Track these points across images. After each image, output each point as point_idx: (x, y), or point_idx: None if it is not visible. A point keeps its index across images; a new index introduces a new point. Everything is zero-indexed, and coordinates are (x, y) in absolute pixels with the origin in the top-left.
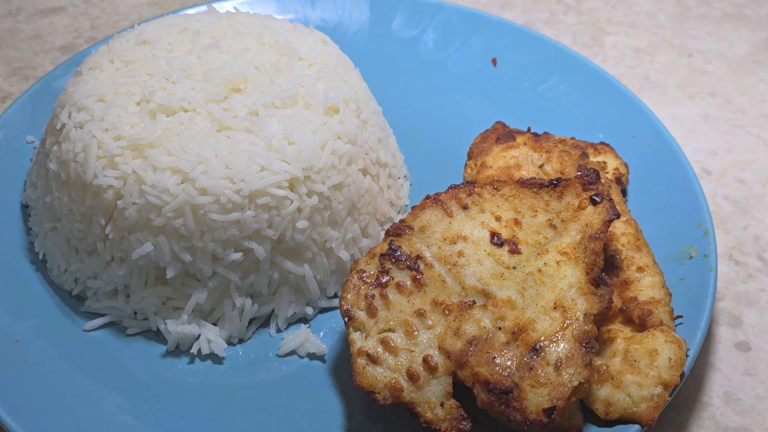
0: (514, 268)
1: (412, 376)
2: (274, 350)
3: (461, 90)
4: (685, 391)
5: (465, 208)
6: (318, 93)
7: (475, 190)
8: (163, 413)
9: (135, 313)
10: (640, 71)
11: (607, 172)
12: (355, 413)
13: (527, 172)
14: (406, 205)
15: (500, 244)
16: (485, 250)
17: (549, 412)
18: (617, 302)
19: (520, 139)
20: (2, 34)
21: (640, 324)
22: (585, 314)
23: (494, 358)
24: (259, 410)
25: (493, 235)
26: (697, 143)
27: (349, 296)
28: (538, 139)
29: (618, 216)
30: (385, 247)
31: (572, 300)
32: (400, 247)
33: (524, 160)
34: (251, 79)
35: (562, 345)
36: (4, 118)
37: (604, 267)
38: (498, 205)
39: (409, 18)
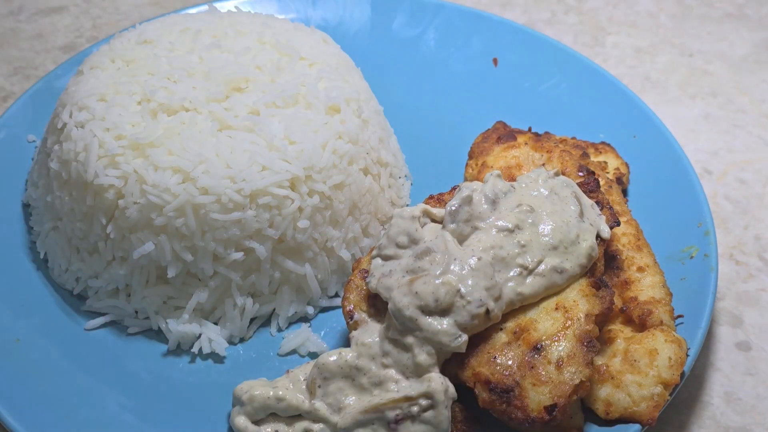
0: None
1: None
2: (275, 349)
3: (462, 90)
4: (686, 391)
5: None
6: (319, 93)
7: None
8: (164, 412)
9: (136, 312)
10: (641, 71)
11: (607, 172)
12: None
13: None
14: (407, 205)
15: None
16: None
17: (550, 409)
18: (618, 302)
19: (521, 139)
20: (4, 34)
21: (641, 324)
22: (586, 314)
23: (495, 357)
24: None
25: None
26: (698, 143)
27: (351, 296)
28: (539, 138)
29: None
30: None
31: (574, 301)
32: None
33: (525, 160)
34: (252, 79)
35: (563, 344)
36: (5, 117)
37: (605, 267)
38: None
39: (410, 18)
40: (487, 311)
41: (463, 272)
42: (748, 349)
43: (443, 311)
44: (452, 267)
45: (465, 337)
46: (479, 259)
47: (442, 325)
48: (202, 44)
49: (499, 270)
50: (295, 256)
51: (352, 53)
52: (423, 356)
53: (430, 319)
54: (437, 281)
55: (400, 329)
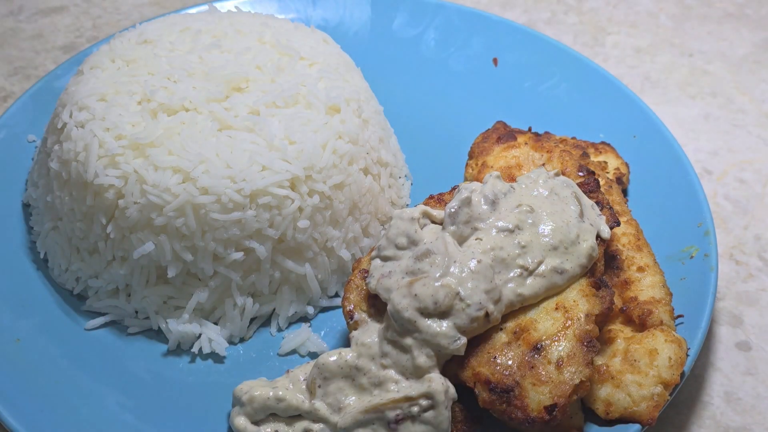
0: None
1: None
2: (275, 349)
3: (462, 89)
4: (686, 391)
5: None
6: (319, 92)
7: None
8: (164, 412)
9: (136, 312)
10: (641, 71)
11: (608, 172)
12: None
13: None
14: (407, 205)
15: None
16: None
17: (550, 409)
18: (618, 302)
19: (521, 139)
20: (4, 34)
21: (641, 324)
22: (586, 314)
23: (495, 357)
24: None
25: None
26: (698, 143)
27: (351, 296)
28: (539, 138)
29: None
30: None
31: (574, 301)
32: None
33: (525, 160)
34: (252, 79)
35: (563, 344)
36: (5, 117)
37: (605, 267)
38: None
39: (410, 17)
40: (487, 314)
41: (463, 275)
42: (748, 349)
43: (442, 314)
44: (452, 269)
45: (464, 340)
46: (479, 261)
47: (441, 327)
48: (202, 44)
49: (499, 271)
50: (295, 256)
51: (352, 53)
52: (422, 358)
53: (429, 322)
54: (437, 284)
55: (398, 330)
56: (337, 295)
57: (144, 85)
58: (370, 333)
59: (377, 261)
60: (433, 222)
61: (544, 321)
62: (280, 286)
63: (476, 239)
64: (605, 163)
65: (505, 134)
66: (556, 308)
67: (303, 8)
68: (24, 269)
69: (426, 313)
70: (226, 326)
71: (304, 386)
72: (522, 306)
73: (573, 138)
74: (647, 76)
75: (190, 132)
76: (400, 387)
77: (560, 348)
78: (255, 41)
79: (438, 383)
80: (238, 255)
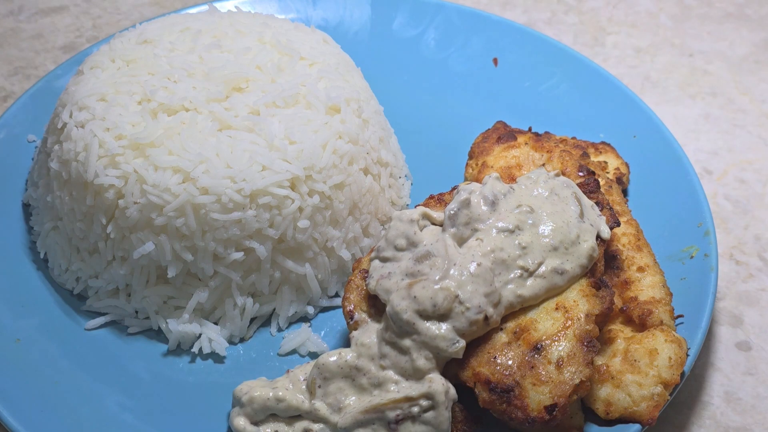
0: None
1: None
2: (275, 349)
3: (462, 89)
4: (686, 391)
5: None
6: (319, 92)
7: None
8: (164, 412)
9: (136, 312)
10: (641, 71)
11: (608, 172)
12: None
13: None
14: (407, 205)
15: None
16: None
17: (550, 409)
18: (618, 302)
19: (521, 139)
20: (4, 34)
21: (641, 324)
22: (586, 314)
23: (495, 357)
24: None
25: None
26: (698, 143)
27: (351, 296)
28: (539, 138)
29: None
30: None
31: (574, 301)
32: None
33: (525, 160)
34: (252, 79)
35: (563, 344)
36: (5, 117)
37: (605, 267)
38: None
39: (410, 17)
40: (486, 317)
41: (463, 278)
42: (748, 349)
43: (441, 316)
44: (452, 272)
45: (463, 343)
46: (479, 264)
47: (440, 329)
48: (202, 44)
49: (499, 272)
50: (295, 256)
51: (352, 53)
52: (421, 360)
53: (428, 324)
54: (436, 286)
55: (397, 332)
56: (337, 295)
57: (144, 85)
58: (370, 333)
59: (376, 262)
60: (433, 224)
61: (544, 321)
62: (280, 286)
63: (476, 240)
64: (605, 163)
65: (505, 134)
66: (557, 308)
67: (303, 8)
68: (24, 269)
69: (425, 315)
70: (226, 326)
71: (304, 386)
72: (522, 307)
73: (573, 138)
74: (647, 76)
75: (190, 132)
76: (400, 387)
77: (560, 348)
78: (255, 41)
79: (438, 384)
80: (238, 255)
